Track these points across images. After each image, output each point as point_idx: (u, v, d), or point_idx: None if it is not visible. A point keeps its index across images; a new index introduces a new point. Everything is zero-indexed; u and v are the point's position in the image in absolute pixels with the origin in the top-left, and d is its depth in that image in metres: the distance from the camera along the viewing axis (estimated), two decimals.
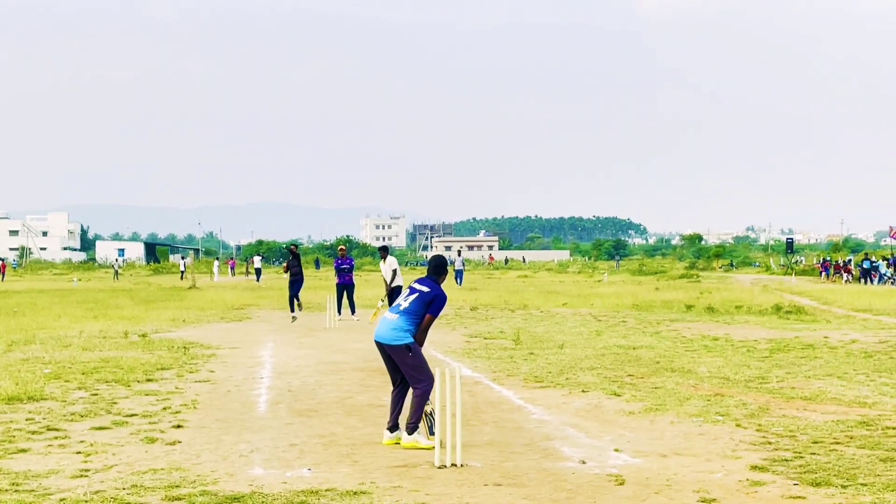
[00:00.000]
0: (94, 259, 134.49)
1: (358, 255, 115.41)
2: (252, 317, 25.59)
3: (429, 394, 8.52)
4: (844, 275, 58.41)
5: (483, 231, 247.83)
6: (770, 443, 8.71)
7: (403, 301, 8.75)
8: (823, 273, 63.88)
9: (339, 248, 26.52)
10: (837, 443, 8.68)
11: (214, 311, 27.84)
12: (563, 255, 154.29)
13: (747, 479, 7.33)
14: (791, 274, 67.32)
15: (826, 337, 19.07)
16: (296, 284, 24.33)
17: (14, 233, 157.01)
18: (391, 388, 8.95)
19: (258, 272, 62.89)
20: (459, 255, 52.37)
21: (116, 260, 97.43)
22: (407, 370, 8.59)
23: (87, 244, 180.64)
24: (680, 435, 9.15)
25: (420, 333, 8.57)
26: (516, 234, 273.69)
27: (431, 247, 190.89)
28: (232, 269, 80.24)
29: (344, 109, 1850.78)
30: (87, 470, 7.62)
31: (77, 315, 25.39)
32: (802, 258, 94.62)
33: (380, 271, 22.53)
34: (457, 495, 6.91)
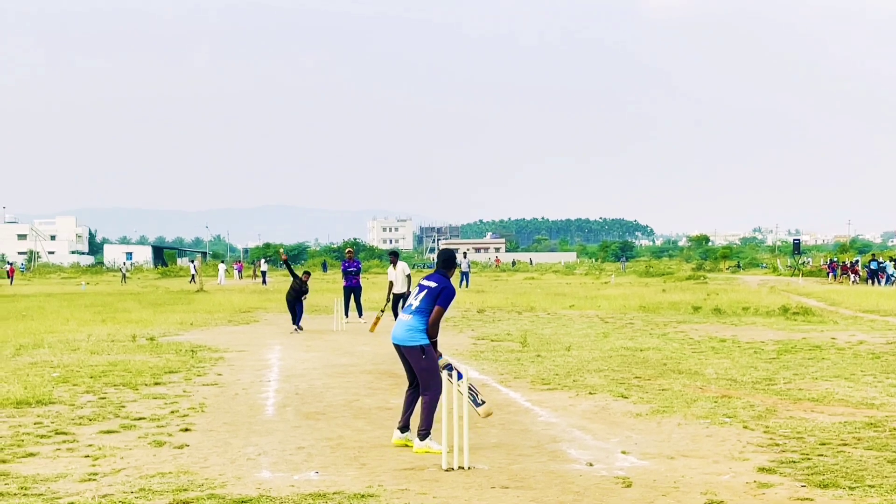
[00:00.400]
0: (102, 263, 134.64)
1: (365, 258, 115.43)
2: (259, 320, 25.62)
3: (436, 402, 8.51)
4: (852, 276, 58.25)
5: (490, 233, 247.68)
6: (777, 444, 8.70)
7: (414, 300, 8.76)
8: (831, 274, 63.70)
9: (347, 250, 26.52)
10: (845, 444, 8.67)
11: (222, 314, 27.88)
12: (570, 257, 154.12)
13: (755, 481, 7.32)
14: (798, 275, 67.17)
15: (833, 338, 19.03)
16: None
17: (22, 237, 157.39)
18: (399, 390, 8.97)
19: (264, 275, 62.96)
20: (465, 257, 52.43)
21: (124, 263, 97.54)
22: (420, 373, 8.60)
23: (95, 248, 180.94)
24: (687, 437, 9.15)
25: (431, 327, 8.56)
26: (523, 236, 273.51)
27: (438, 249, 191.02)
28: (239, 272, 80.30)
29: (351, 112, 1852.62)
30: (96, 473, 7.65)
31: (85, 319, 25.44)
32: (809, 259, 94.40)
33: (386, 274, 22.40)
34: (464, 498, 6.92)
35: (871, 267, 54.56)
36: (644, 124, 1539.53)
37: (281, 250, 26.25)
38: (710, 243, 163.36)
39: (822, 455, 8.21)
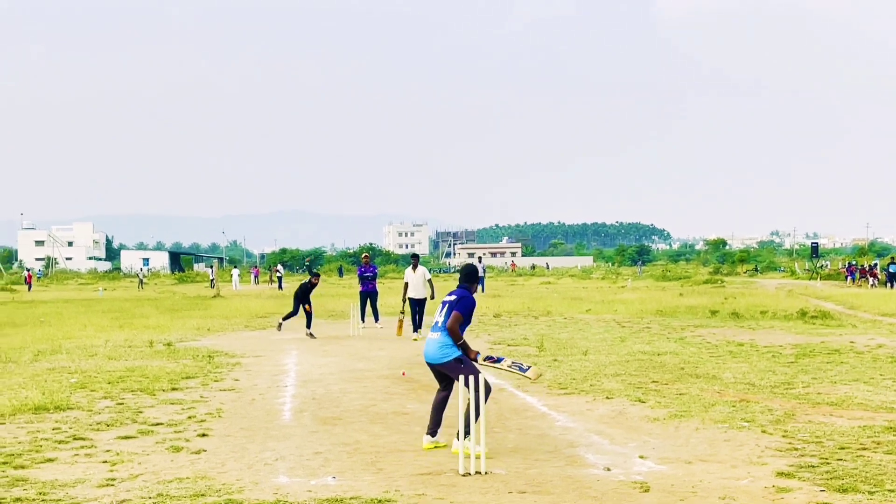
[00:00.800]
0: (119, 268, 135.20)
1: (381, 263, 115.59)
2: (276, 325, 25.67)
3: (487, 394, 8.55)
4: (870, 279, 57.98)
5: (506, 238, 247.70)
6: (796, 449, 8.65)
7: (440, 317, 8.83)
8: (849, 277, 63.42)
9: (363, 255, 26.53)
10: (864, 448, 8.61)
11: (239, 319, 27.94)
12: (587, 261, 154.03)
13: (773, 486, 7.28)
14: (816, 278, 66.88)
15: (852, 342, 18.93)
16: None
17: (40, 243, 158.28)
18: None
19: (280, 280, 63.13)
20: (480, 261, 52.35)
21: (141, 269, 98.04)
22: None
23: (112, 254, 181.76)
24: (705, 441, 9.11)
25: (450, 332, 8.60)
26: (539, 240, 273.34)
27: (454, 254, 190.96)
28: (255, 277, 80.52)
29: (366, 117, 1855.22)
30: (114, 479, 7.67)
31: (103, 324, 25.54)
32: (827, 262, 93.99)
33: (402, 278, 22.33)
34: (481, 503, 6.91)
35: (890, 270, 54.27)
36: (660, 127, 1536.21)
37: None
38: (727, 247, 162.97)
39: (841, 459, 8.16)
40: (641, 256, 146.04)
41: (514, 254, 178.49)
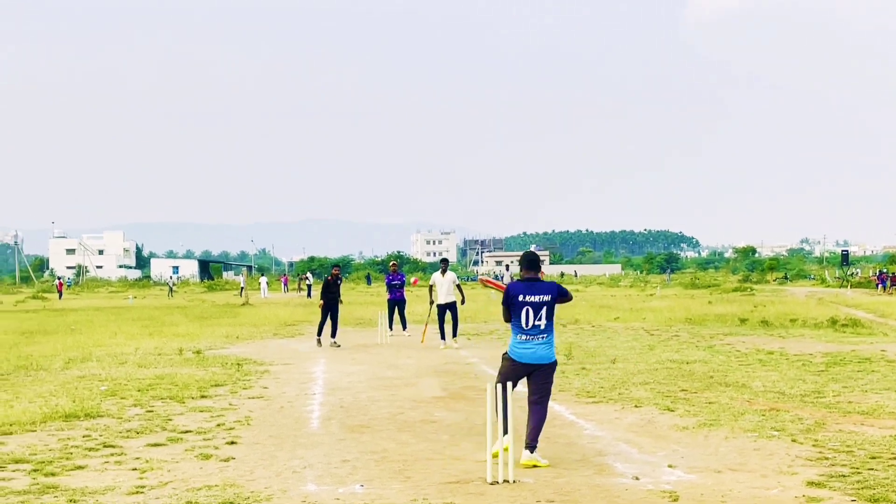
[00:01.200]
0: (149, 276, 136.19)
1: (409, 271, 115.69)
2: (304, 333, 25.72)
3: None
4: None
5: (534, 245, 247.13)
6: (827, 458, 8.58)
7: (538, 321, 8.49)
8: (880, 285, 62.80)
9: (391, 263, 26.55)
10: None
11: (267, 327, 28.06)
12: (615, 269, 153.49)
13: (804, 496, 7.23)
14: (847, 286, 66.34)
15: (883, 350, 18.76)
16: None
17: (71, 251, 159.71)
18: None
19: (309, 288, 63.36)
20: (508, 269, 52.22)
21: (171, 277, 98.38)
22: (549, 387, 8.62)
23: (142, 262, 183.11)
24: (735, 450, 9.05)
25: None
26: (567, 248, 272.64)
27: (482, 261, 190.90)
28: (284, 285, 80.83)
29: (393, 124, 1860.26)
30: (143, 486, 7.72)
31: (132, 332, 25.72)
32: (858, 270, 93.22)
33: (428, 283, 22.18)
34: None
35: None
36: (690, 135, 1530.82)
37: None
38: (756, 255, 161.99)
39: (872, 469, 8.08)
40: (670, 264, 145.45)
41: (542, 261, 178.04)
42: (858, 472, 7.95)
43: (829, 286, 73.51)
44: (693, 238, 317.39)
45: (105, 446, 9.43)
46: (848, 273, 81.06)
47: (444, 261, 22.09)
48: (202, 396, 13.03)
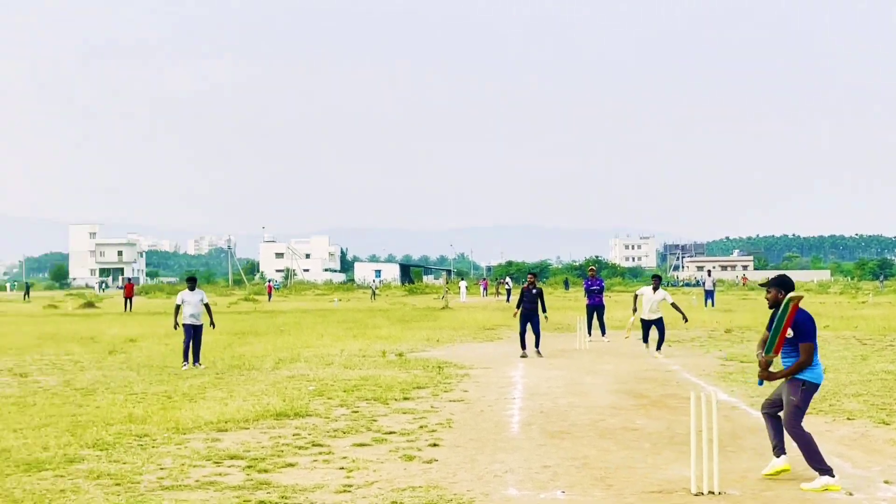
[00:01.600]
0: (352, 280, 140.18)
1: (607, 276, 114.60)
2: (503, 337, 25.86)
3: (805, 440, 7.92)
4: None
5: (737, 251, 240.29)
6: None
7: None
8: None
9: (589, 269, 26.33)
10: None
11: (466, 331, 28.35)
12: (824, 275, 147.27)
13: None
14: None
15: None
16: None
17: (280, 255, 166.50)
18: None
19: (509, 293, 63.67)
20: (710, 275, 50.78)
21: (374, 281, 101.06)
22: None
23: (346, 265, 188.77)
24: None
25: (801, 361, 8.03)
26: (772, 253, 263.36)
27: (683, 267, 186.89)
28: (484, 289, 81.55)
29: (591, 130, 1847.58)
30: (350, 485, 7.93)
31: (338, 334, 26.50)
32: None
33: (634, 293, 21.67)
34: None
35: None
36: None
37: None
38: None
39: None
40: (883, 270, 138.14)
41: (745, 267, 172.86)
42: None
43: None
44: None
45: (314, 445, 9.75)
46: None
47: (657, 277, 20.74)
48: (405, 398, 13.28)
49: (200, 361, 17.73)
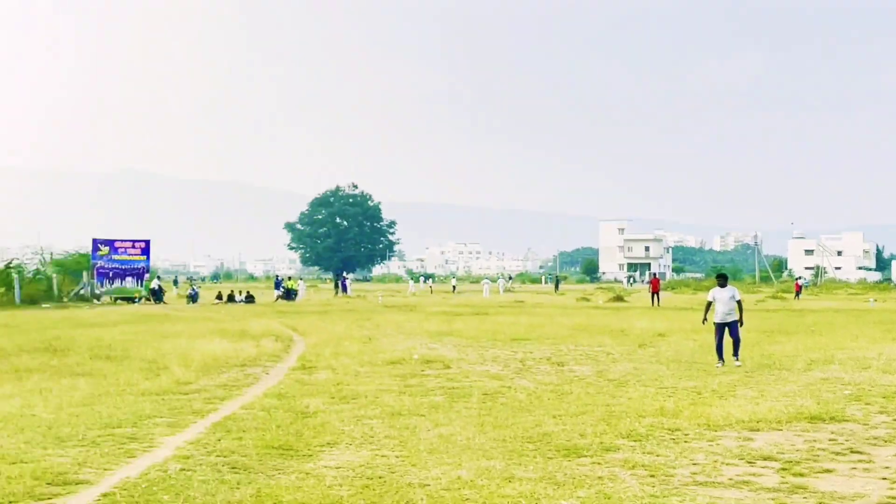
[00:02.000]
0: (889, 279, 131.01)
1: None
2: None
3: None
4: None
5: None
6: None
7: None
8: None
9: None
10: None
11: None
12: None
13: None
14: None
15: None
16: None
17: (809, 252, 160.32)
18: None
19: None
20: None
21: None
22: None
23: (882, 264, 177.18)
24: None
25: None
26: None
27: None
28: None
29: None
30: (894, 497, 7.44)
31: (874, 336, 24.93)
32: None
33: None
34: None
35: None
36: None
37: None
38: None
39: None
40: None
41: None
42: None
43: None
44: None
45: (852, 451, 9.30)
46: None
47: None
48: None
49: (739, 359, 17.59)
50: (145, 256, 53.93)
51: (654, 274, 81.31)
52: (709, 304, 18.17)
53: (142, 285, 52.93)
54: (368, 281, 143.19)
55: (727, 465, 8.69)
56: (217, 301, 52.39)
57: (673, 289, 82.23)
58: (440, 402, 12.60)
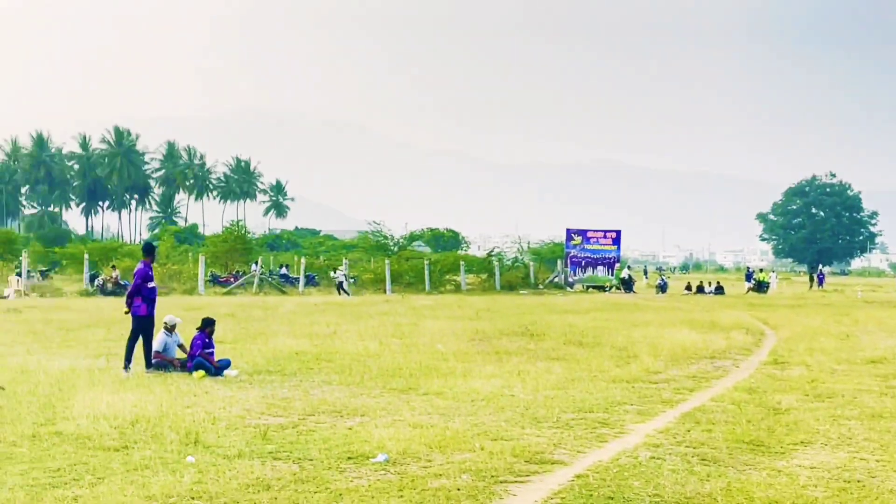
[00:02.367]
0: None
1: None
2: None
3: None
4: None
5: None
6: None
7: None
8: None
9: None
10: None
11: None
12: None
13: None
14: None
15: None
16: None
17: None
18: None
19: None
20: None
21: None
22: None
23: None
24: None
25: None
26: None
27: None
28: None
29: None
30: None
31: None
32: None
33: None
34: None
35: None
36: None
37: None
38: None
39: None
40: None
41: None
42: None
43: None
44: None
45: None
46: None
47: None
48: None
49: None
50: (616, 246, 55.04)
51: None
52: None
53: (612, 275, 54.14)
54: (846, 275, 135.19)
55: None
56: (686, 292, 52.14)
57: None
58: None
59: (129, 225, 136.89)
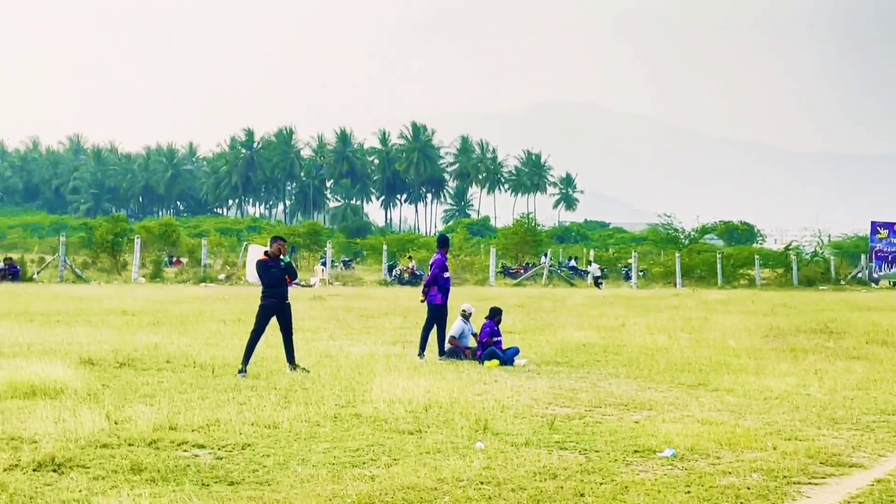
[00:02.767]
0: None
1: None
2: None
3: None
4: None
5: None
6: None
7: None
8: None
9: None
10: None
11: None
12: None
13: None
14: None
15: None
16: None
17: None
18: None
19: None
20: None
21: None
22: None
23: None
24: None
25: None
26: None
27: None
28: None
29: None
30: None
31: None
32: None
33: None
34: None
35: None
36: None
37: None
38: None
39: None
40: None
41: None
42: None
43: None
44: None
45: None
46: None
47: None
48: None
49: None
50: None
51: None
52: None
53: None
54: None
55: None
56: None
57: None
58: None
59: (425, 217, 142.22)
